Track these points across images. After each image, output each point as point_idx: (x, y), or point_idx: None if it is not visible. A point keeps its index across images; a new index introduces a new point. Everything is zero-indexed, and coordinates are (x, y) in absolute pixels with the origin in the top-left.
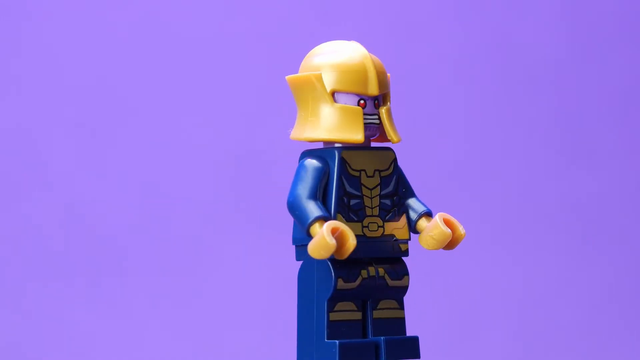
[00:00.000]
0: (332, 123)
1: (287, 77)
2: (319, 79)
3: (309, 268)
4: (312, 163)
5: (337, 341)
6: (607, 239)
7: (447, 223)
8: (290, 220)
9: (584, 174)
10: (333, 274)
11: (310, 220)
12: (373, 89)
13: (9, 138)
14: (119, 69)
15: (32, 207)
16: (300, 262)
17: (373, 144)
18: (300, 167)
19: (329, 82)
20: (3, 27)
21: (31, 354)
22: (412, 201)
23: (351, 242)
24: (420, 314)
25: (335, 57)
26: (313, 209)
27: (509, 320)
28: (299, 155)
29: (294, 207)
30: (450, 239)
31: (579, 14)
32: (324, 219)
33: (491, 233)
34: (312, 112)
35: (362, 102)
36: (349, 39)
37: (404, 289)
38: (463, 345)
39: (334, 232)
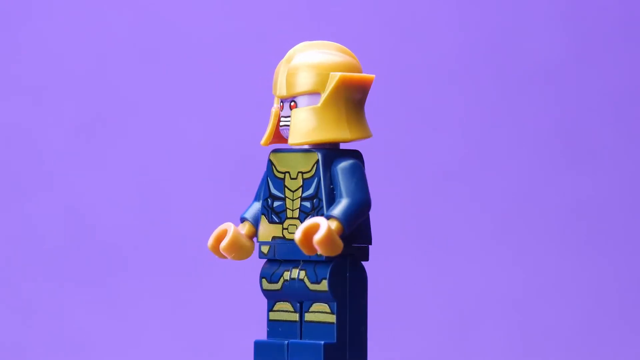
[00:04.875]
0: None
1: None
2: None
3: None
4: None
5: (255, 340)
6: (607, 239)
7: (311, 228)
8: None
9: (583, 175)
10: (260, 274)
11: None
12: (276, 91)
13: (10, 138)
14: (119, 69)
15: (33, 207)
16: None
17: (342, 146)
18: None
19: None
20: (3, 28)
21: (31, 354)
22: (335, 203)
23: (220, 245)
24: (419, 314)
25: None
26: (247, 211)
27: (508, 321)
28: None
29: None
30: (300, 244)
31: (579, 15)
32: (243, 220)
33: (491, 234)
34: None
35: (281, 104)
36: (347, 39)
37: (324, 293)
38: (462, 345)
39: (221, 234)
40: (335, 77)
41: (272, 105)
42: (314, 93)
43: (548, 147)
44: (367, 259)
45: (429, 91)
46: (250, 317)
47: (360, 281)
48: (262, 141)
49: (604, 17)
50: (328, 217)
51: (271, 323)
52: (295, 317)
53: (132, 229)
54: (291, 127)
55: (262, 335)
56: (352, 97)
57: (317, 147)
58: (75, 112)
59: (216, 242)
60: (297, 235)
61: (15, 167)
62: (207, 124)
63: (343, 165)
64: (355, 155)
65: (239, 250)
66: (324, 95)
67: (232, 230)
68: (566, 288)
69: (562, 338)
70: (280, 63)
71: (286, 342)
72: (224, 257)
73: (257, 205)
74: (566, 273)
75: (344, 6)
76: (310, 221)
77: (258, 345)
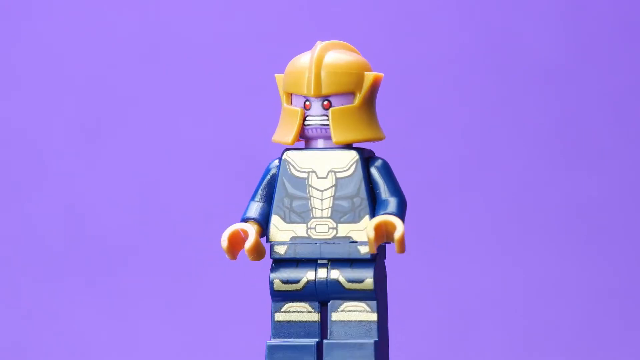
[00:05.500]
0: (280, 124)
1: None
2: (280, 80)
3: None
4: (270, 164)
5: (267, 342)
6: (607, 239)
7: (385, 226)
8: None
9: (583, 175)
10: (270, 275)
11: (241, 219)
12: (309, 90)
13: (9, 138)
14: (119, 69)
15: (33, 207)
16: None
17: (357, 144)
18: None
19: (284, 84)
20: (3, 28)
21: (31, 354)
22: (385, 203)
23: (244, 247)
24: (419, 314)
25: (295, 59)
26: (249, 211)
27: (508, 321)
28: None
29: None
30: (371, 242)
31: (579, 15)
32: (250, 220)
33: (491, 234)
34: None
35: (307, 103)
36: (348, 38)
37: (368, 292)
38: (462, 345)
39: (235, 234)
40: (370, 77)
41: (273, 103)
42: (348, 93)
43: (548, 147)
44: (385, 257)
45: (429, 91)
46: (250, 318)
47: (385, 279)
48: (290, 140)
49: (604, 17)
50: (387, 215)
51: (278, 324)
52: (315, 317)
53: (132, 228)
54: (333, 126)
55: (261, 335)
56: (375, 97)
57: (346, 146)
58: (75, 112)
59: (230, 243)
60: (370, 233)
61: (15, 167)
62: (207, 123)
63: (379, 164)
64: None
65: (259, 251)
66: (359, 95)
67: (254, 231)
68: (566, 288)
69: (562, 338)
70: (298, 63)
71: (313, 342)
72: (234, 258)
73: (260, 205)
74: (566, 273)
75: (344, 6)
76: (382, 218)
77: (272, 347)
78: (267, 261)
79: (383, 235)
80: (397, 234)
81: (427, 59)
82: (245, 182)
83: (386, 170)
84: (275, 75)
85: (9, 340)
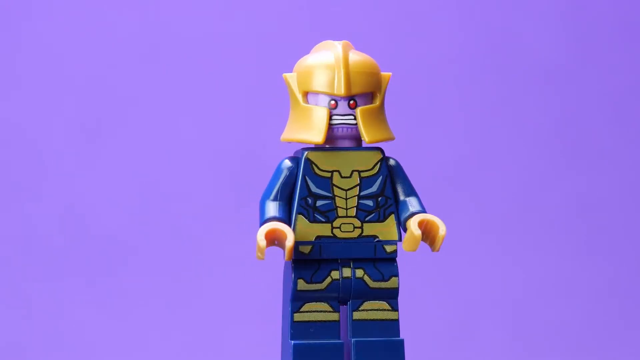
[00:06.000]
0: (298, 124)
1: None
2: (293, 79)
3: (285, 269)
4: (282, 164)
5: (292, 342)
6: (607, 239)
7: (426, 224)
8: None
9: (584, 175)
10: (293, 275)
11: (263, 220)
12: (340, 90)
13: (9, 138)
14: (119, 69)
15: (33, 207)
16: None
17: (372, 145)
18: (276, 167)
19: (301, 83)
20: (3, 28)
21: (31, 354)
22: (407, 202)
23: (286, 245)
24: (419, 314)
25: (311, 58)
26: (269, 210)
27: (508, 321)
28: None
29: (259, 207)
30: (418, 240)
31: (579, 15)
32: (275, 219)
33: (491, 233)
34: (291, 113)
35: (332, 102)
36: (349, 38)
37: (392, 290)
38: (462, 345)
39: (272, 233)
40: (386, 77)
41: (274, 102)
42: (369, 92)
43: (548, 147)
44: None
45: (428, 91)
46: (250, 318)
47: None
48: (320, 139)
49: (604, 17)
50: (418, 214)
51: (297, 324)
52: (335, 316)
53: (132, 228)
54: (363, 125)
55: (261, 335)
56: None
57: (365, 145)
58: (75, 112)
59: (269, 242)
60: (417, 231)
61: (15, 167)
62: (207, 123)
63: (394, 164)
64: None
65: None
66: (380, 95)
67: (291, 230)
68: (566, 288)
69: (562, 338)
70: (319, 61)
71: (341, 341)
72: (263, 257)
73: (280, 204)
74: (566, 273)
75: (344, 6)
76: (424, 217)
77: (299, 347)
78: (267, 261)
79: (422, 233)
80: (442, 232)
81: (427, 59)
82: (246, 181)
83: (401, 170)
84: (284, 74)
85: (9, 340)
